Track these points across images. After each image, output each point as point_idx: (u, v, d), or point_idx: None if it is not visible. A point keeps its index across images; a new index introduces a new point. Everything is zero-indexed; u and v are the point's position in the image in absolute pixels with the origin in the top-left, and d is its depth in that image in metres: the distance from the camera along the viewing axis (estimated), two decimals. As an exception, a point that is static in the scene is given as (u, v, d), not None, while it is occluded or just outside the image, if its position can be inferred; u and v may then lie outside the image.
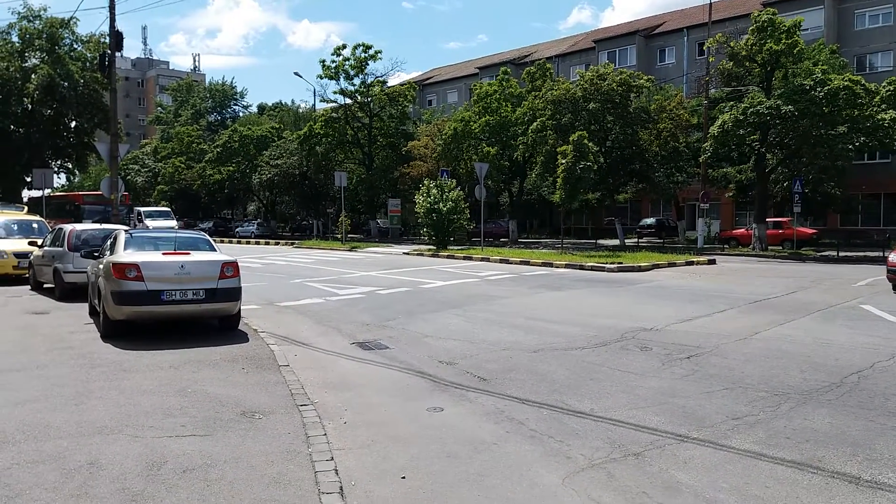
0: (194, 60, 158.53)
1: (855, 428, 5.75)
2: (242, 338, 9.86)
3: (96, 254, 11.62)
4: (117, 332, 9.67)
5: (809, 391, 6.90)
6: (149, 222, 38.17)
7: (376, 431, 5.85)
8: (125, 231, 11.37)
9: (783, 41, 28.45)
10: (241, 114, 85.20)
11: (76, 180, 76.73)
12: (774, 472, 4.85)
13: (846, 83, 26.80)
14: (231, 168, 56.10)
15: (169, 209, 45.15)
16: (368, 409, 6.53)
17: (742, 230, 35.16)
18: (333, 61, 44.15)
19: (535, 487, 4.69)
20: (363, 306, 13.25)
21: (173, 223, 38.41)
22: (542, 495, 4.57)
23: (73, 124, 47.97)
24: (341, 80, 44.50)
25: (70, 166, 53.97)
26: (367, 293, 15.25)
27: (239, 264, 10.32)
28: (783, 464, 4.98)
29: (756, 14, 29.94)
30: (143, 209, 42.49)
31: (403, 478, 4.81)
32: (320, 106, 49.82)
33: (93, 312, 11.46)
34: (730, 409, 6.30)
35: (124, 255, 9.86)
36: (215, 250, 10.85)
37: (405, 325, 11.09)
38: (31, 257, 16.36)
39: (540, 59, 46.82)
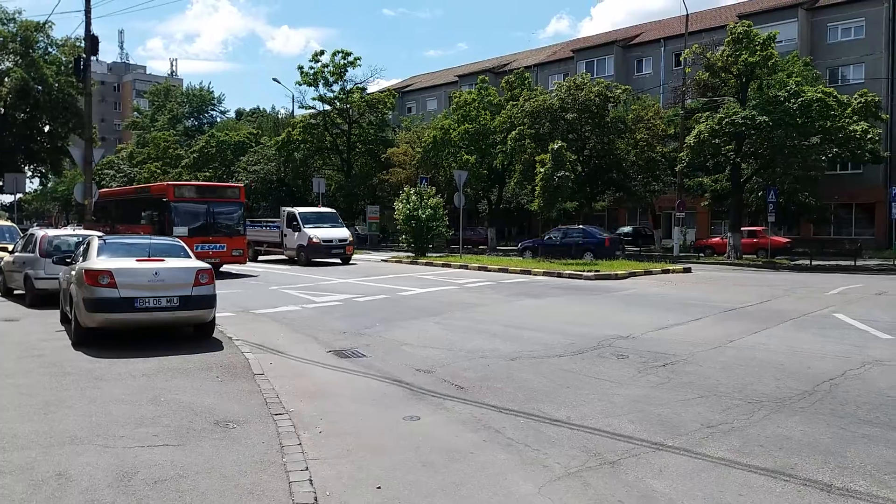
0: (172, 65, 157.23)
1: (827, 435, 5.82)
2: (217, 346, 9.74)
3: (68, 260, 11.43)
4: (89, 340, 9.52)
5: (783, 399, 6.97)
6: (310, 231, 27.19)
7: (352, 441, 5.80)
8: (98, 237, 11.20)
9: (758, 53, 28.91)
10: (218, 119, 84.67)
11: (49, 185, 75.56)
12: (748, 479, 4.89)
13: (819, 95, 27.30)
14: (208, 174, 55.71)
15: (334, 211, 30.93)
16: (344, 418, 6.47)
17: (717, 239, 35.58)
18: (312, 68, 44.06)
19: (512, 497, 4.68)
20: (340, 314, 13.17)
21: (344, 233, 28.02)
22: (519, 505, 4.57)
23: (46, 129, 47.25)
24: (320, 86, 44.42)
25: (44, 171, 53.15)
26: (345, 300, 15.17)
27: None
28: (757, 472, 5.02)
29: (732, 26, 30.40)
30: (297, 210, 28.66)
31: (379, 488, 4.77)
32: (299, 112, 49.73)
33: (64, 320, 11.27)
34: (704, 417, 6.35)
35: (97, 262, 9.71)
36: (190, 257, 10.74)
37: (382, 332, 11.04)
38: (2, 263, 16.06)
39: (519, 68, 47.14)
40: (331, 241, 27.15)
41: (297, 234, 27.66)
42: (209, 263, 11.66)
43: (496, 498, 4.67)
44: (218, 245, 21.14)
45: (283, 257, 29.12)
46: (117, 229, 23.16)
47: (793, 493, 4.66)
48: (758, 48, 28.90)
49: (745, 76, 30.22)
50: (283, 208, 30.96)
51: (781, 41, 33.61)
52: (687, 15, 33.45)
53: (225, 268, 22.19)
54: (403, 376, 8.07)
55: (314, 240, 26.91)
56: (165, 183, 21.78)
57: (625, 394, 7.27)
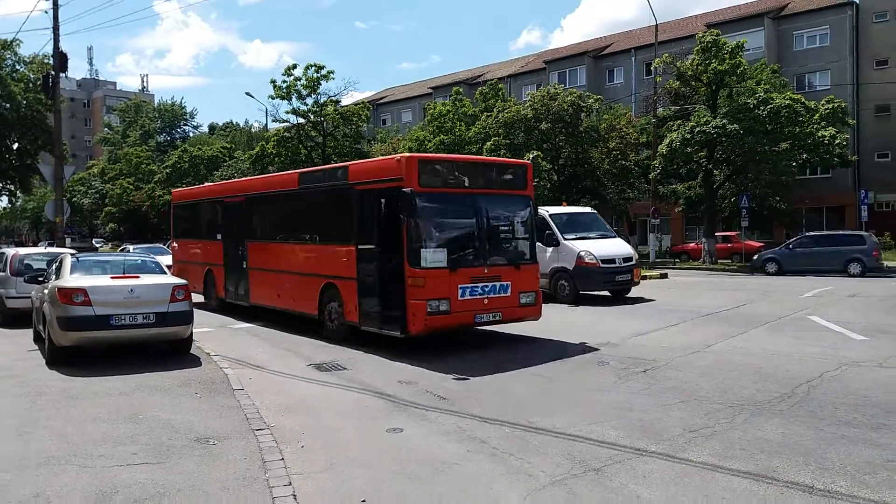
0: (143, 81, 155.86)
1: (807, 437, 5.88)
2: (195, 362, 9.62)
3: (40, 278, 11.22)
4: (64, 359, 9.34)
5: (762, 402, 7.04)
6: (578, 245, 16.74)
7: (335, 454, 5.74)
8: (71, 254, 11.03)
9: (727, 62, 29.39)
10: (191, 134, 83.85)
11: (18, 202, 74.18)
12: (731, 484, 4.92)
13: (787, 102, 27.82)
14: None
15: (594, 211, 20.43)
16: (327, 432, 6.41)
17: (692, 244, 36.00)
18: (285, 81, 43.89)
19: (498, 506, 4.67)
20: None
21: (624, 248, 17.85)
22: (505, 514, 4.55)
23: (15, 146, 46.43)
24: (293, 99, 44.17)
25: (13, 188, 52.19)
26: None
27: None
28: (739, 475, 5.05)
29: (701, 35, 30.88)
30: (548, 211, 17.46)
31: (364, 501, 4.73)
32: (273, 126, 49.39)
33: (37, 339, 11.05)
34: (686, 422, 6.39)
35: (70, 280, 9.55)
36: (165, 273, 10.61)
37: (363, 345, 10.96)
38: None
39: (492, 80, 47.44)
40: (612, 260, 16.92)
41: (551, 250, 16.66)
42: (490, 318, 10.05)
43: (482, 508, 4.66)
44: (499, 285, 10.43)
45: None
46: (245, 253, 14.51)
47: (776, 495, 4.70)
48: (727, 57, 29.39)
49: (714, 84, 30.69)
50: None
51: (749, 49, 34.18)
52: (656, 25, 33.91)
53: None
54: (385, 388, 8.02)
55: (587, 259, 16.56)
56: (400, 156, 10.50)
57: (607, 400, 7.30)
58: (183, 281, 10.15)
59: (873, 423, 6.26)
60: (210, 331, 12.69)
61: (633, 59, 47.79)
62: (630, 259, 17.32)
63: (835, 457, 5.37)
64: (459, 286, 9.81)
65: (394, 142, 44.27)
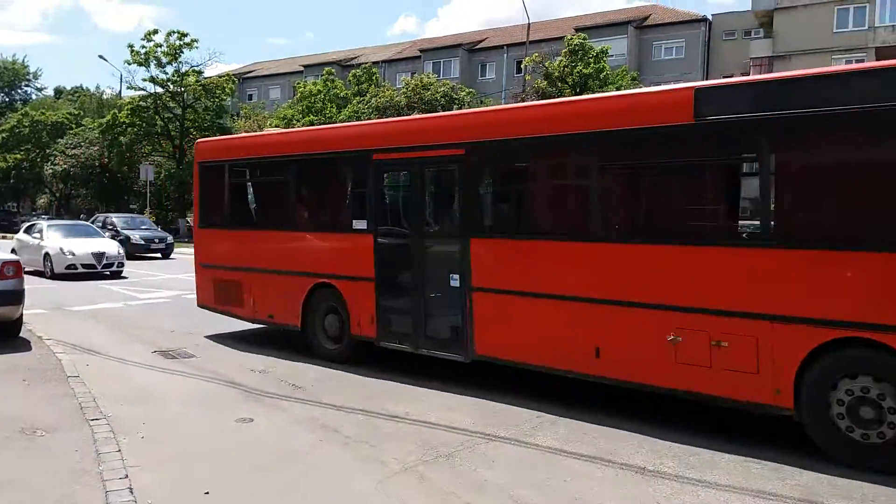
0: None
1: (646, 424, 6.23)
2: (24, 346, 8.83)
3: None
4: None
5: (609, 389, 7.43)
6: None
7: (178, 446, 5.46)
8: None
9: (592, 66, 30.92)
10: (34, 96, 76.56)
11: None
12: (572, 466, 5.18)
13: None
14: (19, 156, 50.28)
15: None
16: (170, 423, 6.09)
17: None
18: (144, 47, 41.17)
19: (348, 495, 4.64)
20: (168, 311, 12.37)
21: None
22: (354, 503, 4.52)
23: None
24: (152, 67, 41.51)
25: None
26: (174, 297, 14.25)
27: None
28: (580, 458, 5.33)
29: (569, 38, 32.26)
30: None
31: (207, 493, 4.53)
32: (127, 93, 46.12)
33: None
34: (537, 410, 6.63)
35: None
36: (-7, 247, 9.60)
37: (213, 330, 10.47)
38: None
39: (367, 63, 46.96)
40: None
41: None
42: None
43: (332, 497, 4.61)
44: None
45: None
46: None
47: (611, 476, 5.00)
48: (592, 60, 30.92)
49: (579, 87, 32.19)
50: None
51: (613, 56, 36.07)
52: (528, 24, 35.01)
53: None
54: (237, 377, 7.72)
55: None
56: None
57: (465, 387, 7.39)
58: (15, 257, 9.26)
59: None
60: (43, 312, 11.68)
61: (505, 55, 48.99)
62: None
63: (666, 441, 5.77)
64: None
65: (259, 119, 42.69)
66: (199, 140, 11.56)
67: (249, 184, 10.46)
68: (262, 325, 9.95)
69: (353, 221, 8.28)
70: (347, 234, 8.31)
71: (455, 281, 7.35)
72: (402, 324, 7.91)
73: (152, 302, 13.56)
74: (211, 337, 10.02)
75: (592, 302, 6.41)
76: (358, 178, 8.66)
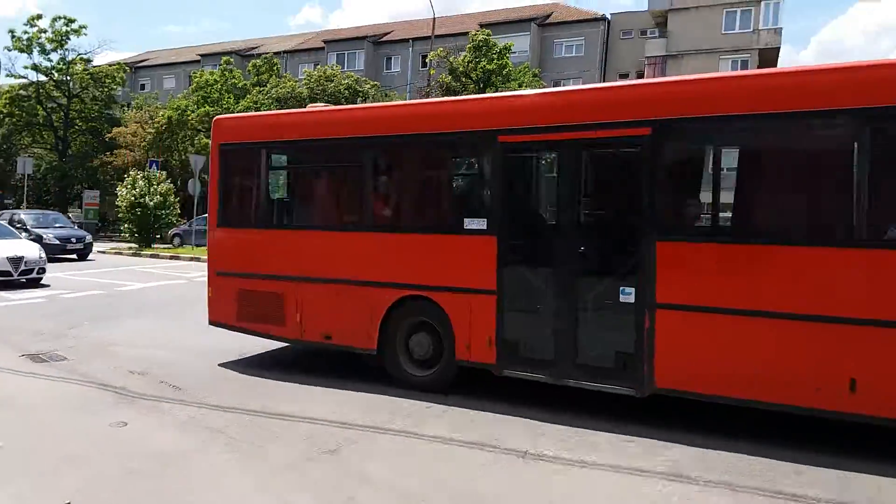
0: None
1: (526, 409, 6.37)
2: None
3: None
4: None
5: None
6: None
7: (43, 454, 5.12)
8: None
9: (495, 62, 31.28)
10: None
11: None
12: (457, 453, 5.24)
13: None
14: None
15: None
16: (36, 430, 5.70)
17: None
18: (27, 32, 38.60)
19: (228, 496, 4.50)
20: (41, 313, 11.54)
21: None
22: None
23: None
24: (35, 53, 38.96)
25: None
26: (48, 297, 13.34)
27: None
28: (466, 445, 5.40)
29: (473, 34, 32.52)
30: None
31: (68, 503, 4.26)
32: (6, 81, 43.03)
33: None
34: (428, 399, 6.64)
35: None
36: None
37: (91, 332, 9.88)
38: None
39: (267, 53, 45.69)
40: None
41: None
42: None
43: (209, 498, 4.47)
44: None
45: None
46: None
47: (494, 460, 5.09)
48: (495, 56, 31.28)
49: (482, 82, 32.54)
50: None
51: (516, 52, 36.62)
52: (434, 18, 35.03)
53: None
54: (112, 380, 7.27)
55: None
56: None
57: (360, 381, 7.28)
58: None
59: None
60: None
61: (410, 49, 48.87)
62: None
63: (548, 425, 5.91)
64: None
65: (152, 110, 40.77)
66: (219, 116, 9.45)
67: (300, 172, 8.45)
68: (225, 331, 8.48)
69: (465, 220, 6.77)
70: (455, 235, 6.82)
71: (628, 295, 5.89)
72: (537, 348, 6.42)
73: (24, 303, 12.63)
74: (88, 338, 9.44)
75: (849, 323, 5.07)
76: (474, 167, 7.31)
